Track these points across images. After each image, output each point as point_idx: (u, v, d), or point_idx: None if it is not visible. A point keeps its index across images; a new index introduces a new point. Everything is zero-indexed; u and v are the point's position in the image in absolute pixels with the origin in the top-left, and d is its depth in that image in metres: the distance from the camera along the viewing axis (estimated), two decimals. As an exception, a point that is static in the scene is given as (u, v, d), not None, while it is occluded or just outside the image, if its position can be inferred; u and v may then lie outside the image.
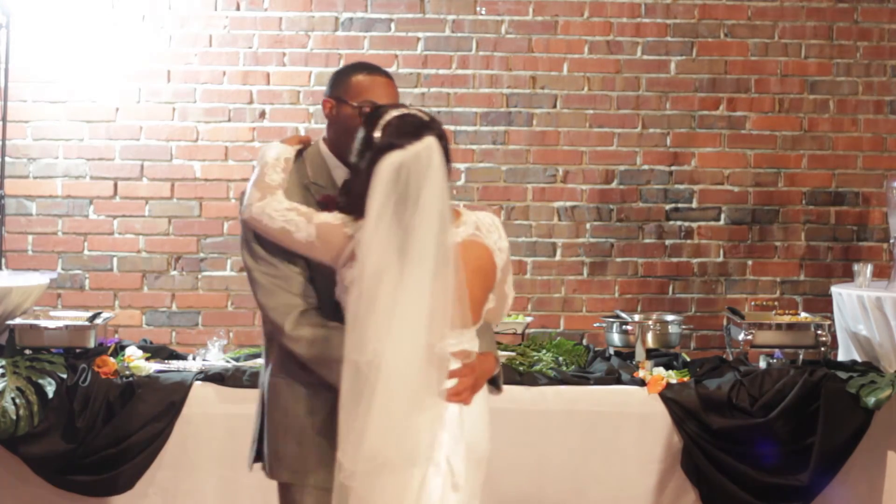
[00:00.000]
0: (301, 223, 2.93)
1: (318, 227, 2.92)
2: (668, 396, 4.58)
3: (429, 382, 2.83)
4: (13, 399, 4.36)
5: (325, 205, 3.07)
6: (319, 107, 5.63)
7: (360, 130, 2.93)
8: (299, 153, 3.16)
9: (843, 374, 4.63)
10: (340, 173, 3.12)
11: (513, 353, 4.83)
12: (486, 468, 3.02)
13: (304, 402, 3.06)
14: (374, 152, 2.86)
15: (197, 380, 4.57)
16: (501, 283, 3.08)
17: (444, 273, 2.82)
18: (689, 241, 5.87)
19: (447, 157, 2.92)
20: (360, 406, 2.77)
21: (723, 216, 5.88)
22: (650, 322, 5.00)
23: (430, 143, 2.86)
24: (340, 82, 3.17)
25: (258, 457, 3.21)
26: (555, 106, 5.84)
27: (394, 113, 2.90)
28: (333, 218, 2.93)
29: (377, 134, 2.87)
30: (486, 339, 3.12)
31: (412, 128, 2.88)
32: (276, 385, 3.11)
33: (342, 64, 5.57)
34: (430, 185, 2.83)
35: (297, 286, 3.03)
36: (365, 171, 2.85)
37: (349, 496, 2.80)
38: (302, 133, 5.73)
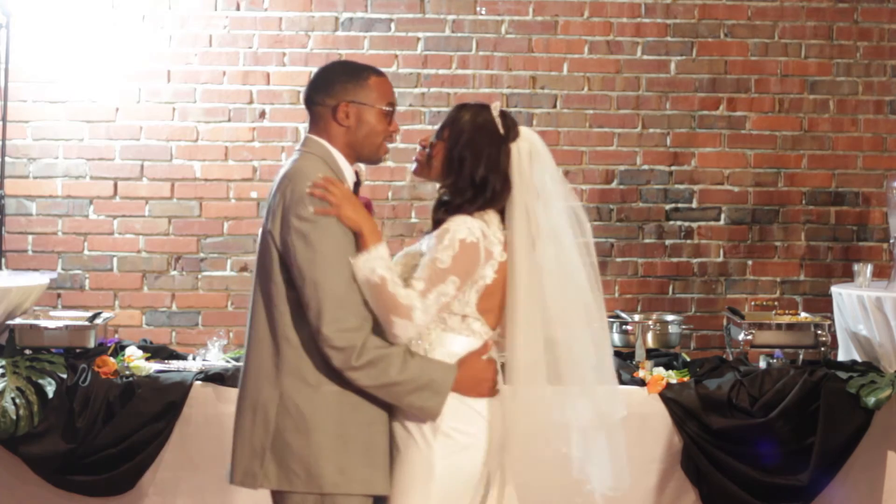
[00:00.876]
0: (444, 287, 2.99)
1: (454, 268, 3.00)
2: (668, 396, 4.58)
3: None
4: (13, 399, 4.36)
5: (366, 206, 3.09)
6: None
7: (467, 128, 3.09)
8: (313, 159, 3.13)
9: (843, 374, 4.63)
10: (349, 173, 3.14)
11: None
12: None
13: (362, 412, 3.01)
14: (500, 141, 3.10)
15: (197, 380, 4.57)
16: None
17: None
18: (689, 241, 5.87)
19: None
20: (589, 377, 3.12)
21: (723, 216, 5.87)
22: (650, 322, 5.01)
23: (527, 130, 3.19)
24: (356, 86, 3.10)
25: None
26: (555, 106, 5.83)
27: (495, 105, 3.15)
28: (451, 248, 2.99)
29: (499, 125, 3.11)
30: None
31: (513, 120, 3.17)
32: (319, 395, 2.99)
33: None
34: (551, 163, 3.16)
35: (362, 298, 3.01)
36: (495, 159, 3.08)
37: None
38: (302, 132, 5.73)
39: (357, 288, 2.95)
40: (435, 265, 2.96)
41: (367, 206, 3.14)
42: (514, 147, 3.11)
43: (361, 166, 3.24)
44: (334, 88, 3.11)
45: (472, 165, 3.08)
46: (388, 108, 3.12)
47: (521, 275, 3.05)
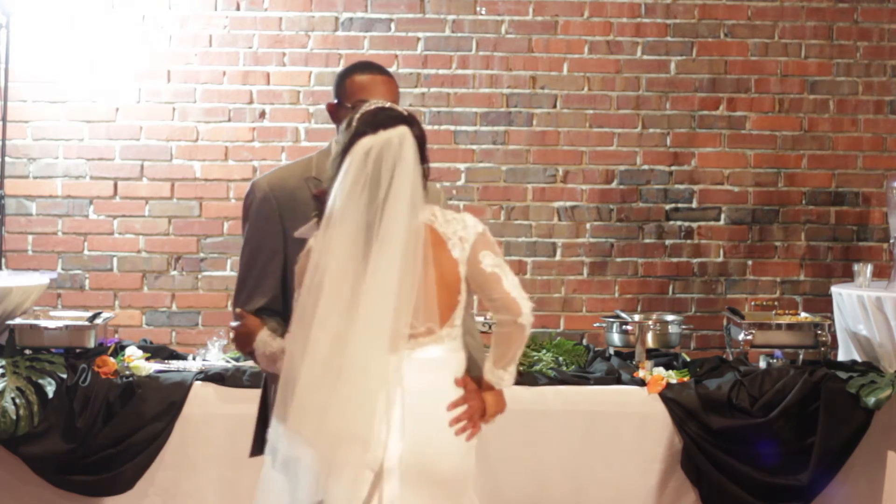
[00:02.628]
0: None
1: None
2: (668, 396, 4.58)
3: (388, 370, 2.85)
4: (13, 399, 4.36)
5: (318, 198, 3.09)
6: (319, 107, 5.66)
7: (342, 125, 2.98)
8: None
9: (843, 374, 4.63)
10: None
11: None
12: (467, 487, 2.98)
13: None
14: (347, 139, 2.91)
15: (197, 380, 4.57)
16: (475, 280, 3.00)
17: (412, 259, 2.86)
18: (689, 241, 5.87)
19: (423, 151, 2.95)
20: (325, 386, 2.80)
21: (723, 216, 5.87)
22: (650, 322, 5.01)
23: (402, 131, 2.90)
24: (340, 84, 3.24)
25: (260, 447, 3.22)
26: (555, 106, 5.83)
27: (372, 106, 2.95)
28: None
29: (353, 123, 2.92)
30: (475, 362, 3.07)
31: (386, 118, 2.92)
32: (263, 376, 3.22)
33: (342, 64, 5.59)
34: (401, 169, 2.87)
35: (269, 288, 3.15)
36: (338, 158, 2.91)
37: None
38: (302, 132, 5.74)
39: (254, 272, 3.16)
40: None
41: (320, 195, 3.10)
42: (358, 143, 2.88)
43: None
44: (334, 87, 3.29)
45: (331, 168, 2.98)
46: (352, 106, 3.10)
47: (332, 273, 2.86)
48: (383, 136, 2.89)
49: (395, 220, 2.85)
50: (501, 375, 3.08)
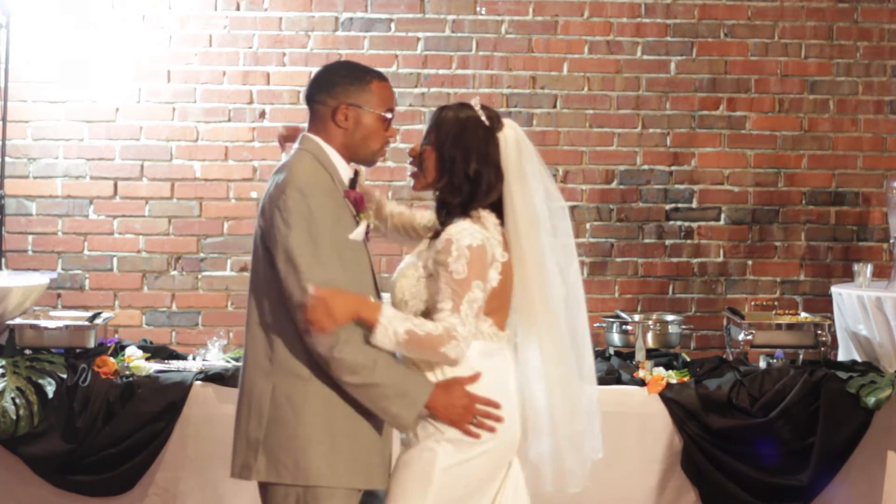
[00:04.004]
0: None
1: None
2: (668, 396, 4.58)
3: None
4: (13, 399, 4.36)
5: (351, 200, 3.09)
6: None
7: (452, 126, 3.09)
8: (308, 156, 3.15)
9: (843, 374, 4.63)
10: (344, 171, 3.15)
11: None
12: None
13: (353, 405, 3.01)
14: (487, 130, 3.10)
15: (197, 380, 4.57)
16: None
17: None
18: (689, 241, 5.87)
19: None
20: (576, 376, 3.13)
21: (723, 216, 5.87)
22: (650, 322, 5.01)
23: (509, 120, 3.19)
24: (358, 90, 3.11)
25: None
26: (555, 106, 5.83)
27: (475, 101, 3.16)
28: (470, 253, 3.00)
29: (483, 117, 3.10)
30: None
31: (494, 111, 3.17)
32: (310, 388, 3.00)
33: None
34: (535, 153, 3.17)
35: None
36: (485, 151, 3.08)
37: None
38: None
39: (340, 280, 2.96)
40: (453, 278, 2.96)
41: (359, 200, 3.12)
42: (501, 136, 3.12)
43: (362, 167, 3.26)
44: (336, 89, 3.13)
45: (463, 161, 3.08)
46: (387, 114, 3.14)
47: (533, 266, 3.07)
48: (511, 127, 3.15)
49: (540, 206, 3.15)
50: None
